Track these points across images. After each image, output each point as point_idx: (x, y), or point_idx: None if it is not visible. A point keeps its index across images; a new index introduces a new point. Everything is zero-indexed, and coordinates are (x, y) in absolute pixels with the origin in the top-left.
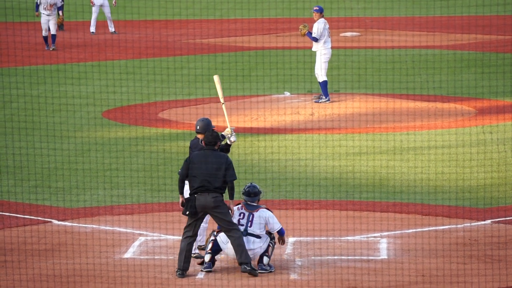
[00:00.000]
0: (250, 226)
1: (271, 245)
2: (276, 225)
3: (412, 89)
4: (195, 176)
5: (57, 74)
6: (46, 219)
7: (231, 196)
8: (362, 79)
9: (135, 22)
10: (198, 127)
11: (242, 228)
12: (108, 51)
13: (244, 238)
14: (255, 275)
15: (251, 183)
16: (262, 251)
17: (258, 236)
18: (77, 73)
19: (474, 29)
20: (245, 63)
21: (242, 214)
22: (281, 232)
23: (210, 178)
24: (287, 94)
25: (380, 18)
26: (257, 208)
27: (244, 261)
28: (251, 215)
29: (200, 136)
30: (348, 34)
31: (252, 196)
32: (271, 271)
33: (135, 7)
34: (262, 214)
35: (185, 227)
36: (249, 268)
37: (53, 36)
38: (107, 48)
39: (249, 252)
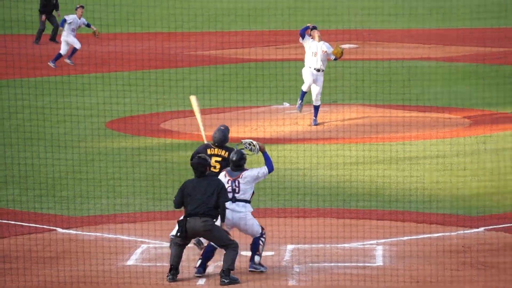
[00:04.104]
0: (238, 193)
1: (262, 243)
2: (263, 171)
3: (408, 100)
4: (188, 203)
5: (61, 86)
6: (51, 227)
7: (222, 218)
8: (359, 90)
9: (138, 34)
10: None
11: (230, 196)
12: (111, 63)
13: (234, 203)
14: (236, 282)
15: (239, 151)
16: (250, 218)
17: (246, 201)
18: (81, 84)
19: (469, 41)
20: (245, 75)
21: (229, 181)
22: (270, 168)
23: (202, 204)
24: (286, 105)
25: (377, 31)
26: (239, 173)
27: (225, 268)
28: (236, 182)
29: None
30: (346, 46)
31: (236, 167)
32: (262, 271)
33: (138, 20)
34: (246, 175)
35: (176, 237)
36: (227, 280)
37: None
38: (110, 60)
39: (237, 214)
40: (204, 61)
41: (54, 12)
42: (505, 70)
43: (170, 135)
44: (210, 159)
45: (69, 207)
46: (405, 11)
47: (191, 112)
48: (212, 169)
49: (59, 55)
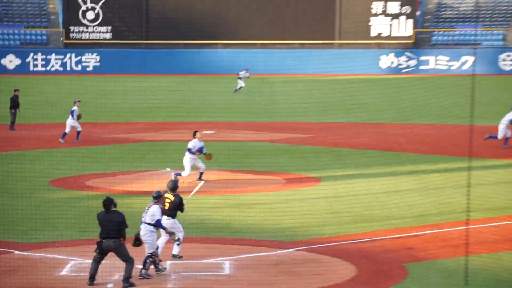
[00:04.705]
0: (144, 217)
1: (149, 261)
2: (155, 217)
3: (247, 167)
4: (102, 229)
5: (20, 158)
6: (10, 250)
7: (124, 237)
8: (216, 160)
9: None
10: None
11: (143, 220)
12: (54, 141)
13: (142, 224)
14: (134, 286)
15: (158, 191)
16: (149, 240)
17: (150, 224)
18: (33, 156)
19: (286, 130)
20: (142, 150)
21: (146, 210)
22: (158, 224)
23: (111, 230)
24: (168, 169)
25: (230, 122)
26: (150, 205)
27: (125, 277)
28: (146, 210)
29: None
30: (208, 132)
31: (153, 198)
32: (148, 278)
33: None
34: (151, 209)
35: (96, 254)
36: (127, 284)
37: (79, 132)
38: (52, 140)
39: (142, 232)
40: (115, 141)
41: (17, 110)
42: (307, 149)
43: (91, 189)
44: (164, 200)
45: (23, 237)
46: (244, 110)
47: (106, 174)
48: (166, 206)
49: (65, 134)
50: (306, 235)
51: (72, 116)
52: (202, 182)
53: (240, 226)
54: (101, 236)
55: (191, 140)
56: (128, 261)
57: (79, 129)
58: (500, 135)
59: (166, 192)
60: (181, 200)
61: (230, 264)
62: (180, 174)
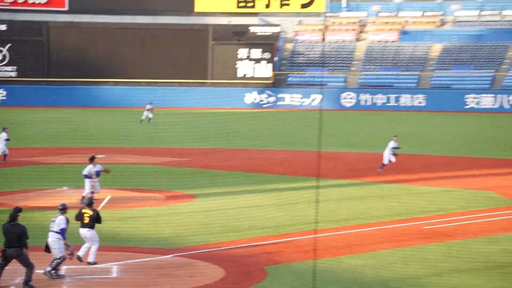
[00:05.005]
0: (52, 226)
1: (55, 263)
2: (60, 226)
3: (132, 186)
4: (6, 239)
5: None
6: None
7: (26, 245)
8: (107, 180)
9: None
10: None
11: (51, 229)
12: None
13: (50, 232)
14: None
15: (63, 204)
16: (57, 246)
17: (57, 232)
18: None
19: (167, 154)
20: (42, 171)
21: (53, 220)
22: (61, 232)
23: (13, 240)
24: (65, 188)
25: (118, 148)
26: (57, 216)
27: (25, 280)
28: (54, 220)
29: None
30: (99, 156)
31: (59, 210)
32: (52, 278)
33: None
34: (57, 220)
35: (1, 261)
36: (27, 287)
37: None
38: None
39: (51, 239)
40: (18, 164)
41: None
42: (184, 170)
43: (3, 206)
44: (83, 215)
45: None
46: (131, 137)
47: (7, 192)
48: (85, 220)
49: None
50: (183, 243)
51: (4, 140)
52: (108, 197)
53: (127, 236)
54: (5, 245)
55: (86, 163)
56: (29, 267)
57: (7, 152)
58: (385, 161)
59: (83, 208)
60: (98, 213)
61: (117, 268)
62: (88, 196)
